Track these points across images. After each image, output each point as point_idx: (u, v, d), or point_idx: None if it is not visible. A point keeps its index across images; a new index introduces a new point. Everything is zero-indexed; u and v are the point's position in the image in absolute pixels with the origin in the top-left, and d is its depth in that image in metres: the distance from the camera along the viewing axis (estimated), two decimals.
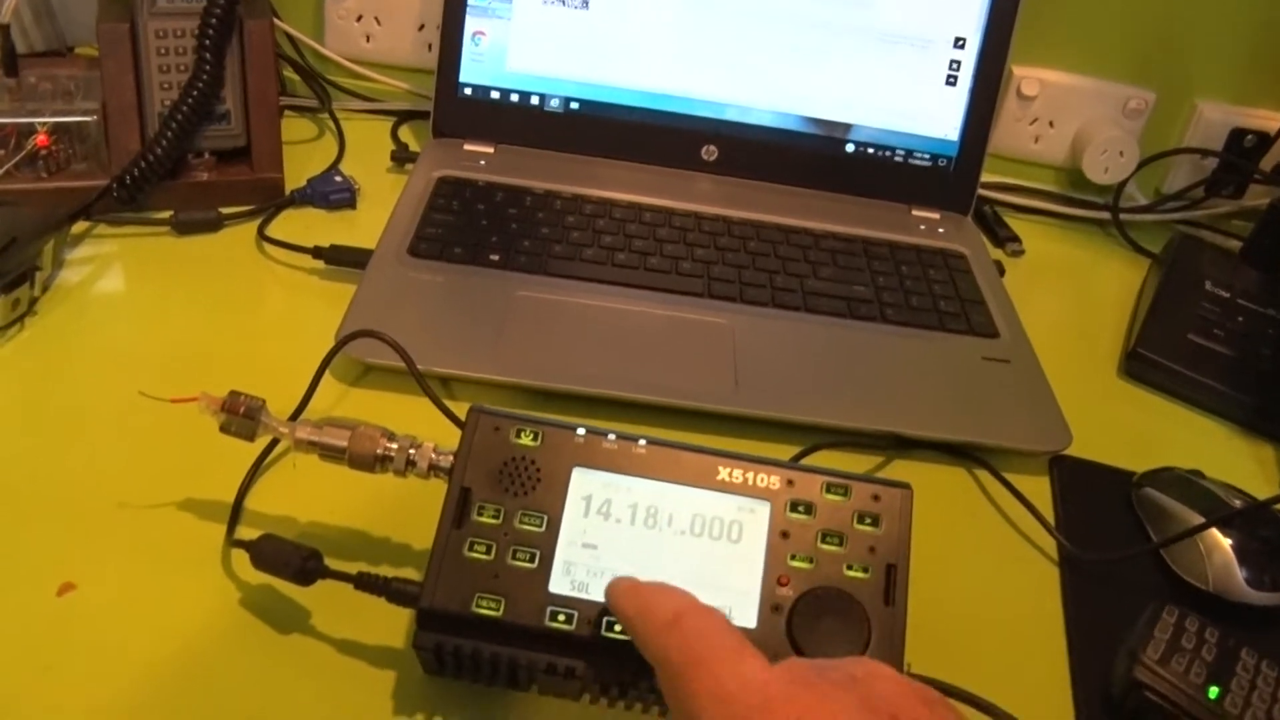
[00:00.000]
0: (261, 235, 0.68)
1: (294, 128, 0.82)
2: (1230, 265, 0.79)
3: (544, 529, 0.41)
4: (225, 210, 0.69)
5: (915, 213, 0.80)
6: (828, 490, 0.43)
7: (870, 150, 0.80)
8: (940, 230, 0.78)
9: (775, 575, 0.41)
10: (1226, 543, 0.54)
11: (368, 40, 0.85)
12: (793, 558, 0.41)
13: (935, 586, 0.52)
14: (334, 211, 0.73)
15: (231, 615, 0.45)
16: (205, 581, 0.46)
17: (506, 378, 0.58)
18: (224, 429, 0.46)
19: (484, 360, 0.59)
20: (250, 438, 0.46)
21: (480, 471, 0.42)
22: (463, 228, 0.69)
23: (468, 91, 0.78)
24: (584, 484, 0.42)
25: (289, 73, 0.85)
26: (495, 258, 0.66)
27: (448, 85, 0.78)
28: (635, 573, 0.40)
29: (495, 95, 0.78)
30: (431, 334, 0.60)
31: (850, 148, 0.80)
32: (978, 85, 0.78)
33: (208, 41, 0.66)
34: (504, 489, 0.42)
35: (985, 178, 0.88)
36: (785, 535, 0.42)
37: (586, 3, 0.76)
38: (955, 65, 0.78)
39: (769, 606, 0.40)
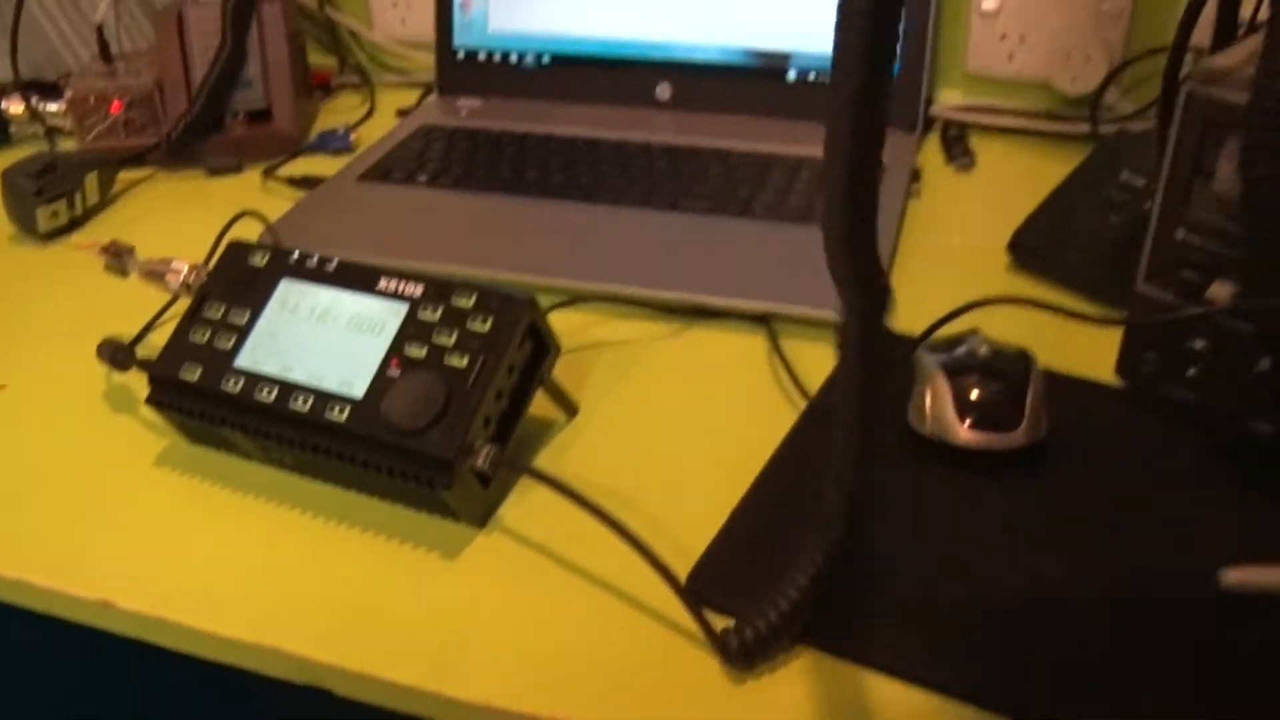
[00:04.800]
0: (265, 174, 0.86)
1: (348, 101, 1.00)
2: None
3: (246, 321, 0.54)
4: (259, 161, 0.88)
5: None
6: (456, 295, 0.51)
7: (810, 77, 0.84)
8: None
9: (392, 358, 0.50)
10: (949, 388, 0.55)
11: (403, 24, 1.02)
12: (409, 345, 0.50)
13: (665, 419, 0.58)
14: (336, 156, 0.89)
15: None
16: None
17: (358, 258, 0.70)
18: (106, 269, 0.63)
19: (343, 246, 0.72)
20: (122, 274, 0.62)
21: (221, 283, 0.56)
22: (409, 159, 0.82)
23: (460, 55, 0.92)
24: (286, 291, 0.54)
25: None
26: (423, 179, 0.79)
27: (444, 49, 0.92)
28: (295, 355, 0.51)
29: (482, 56, 0.92)
30: (329, 230, 0.74)
31: (792, 75, 0.85)
32: (912, 6, 0.81)
33: (228, 22, 0.86)
34: (233, 294, 0.55)
35: (967, 100, 0.89)
36: (412, 328, 0.51)
37: None
38: None
39: (380, 380, 0.50)
